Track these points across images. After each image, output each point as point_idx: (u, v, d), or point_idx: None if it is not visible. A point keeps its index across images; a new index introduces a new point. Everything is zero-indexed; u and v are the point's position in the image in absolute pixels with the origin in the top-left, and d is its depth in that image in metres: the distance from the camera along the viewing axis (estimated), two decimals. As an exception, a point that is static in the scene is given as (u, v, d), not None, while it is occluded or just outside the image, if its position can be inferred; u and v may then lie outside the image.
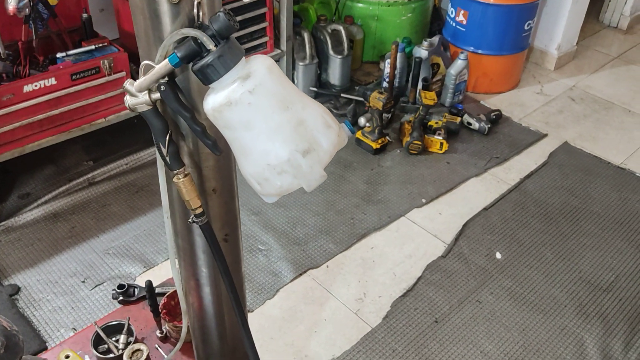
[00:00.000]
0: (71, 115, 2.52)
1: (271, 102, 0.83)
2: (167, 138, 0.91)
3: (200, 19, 0.85)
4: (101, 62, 2.49)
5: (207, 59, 0.81)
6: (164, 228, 2.58)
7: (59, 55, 2.50)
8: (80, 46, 2.59)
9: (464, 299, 2.30)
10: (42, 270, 2.32)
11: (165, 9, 0.84)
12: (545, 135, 3.25)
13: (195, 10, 0.84)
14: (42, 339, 2.06)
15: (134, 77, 2.58)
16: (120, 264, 2.36)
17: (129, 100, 0.89)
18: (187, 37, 0.83)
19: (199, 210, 0.99)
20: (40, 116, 2.42)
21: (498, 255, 2.49)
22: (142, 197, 2.69)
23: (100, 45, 2.58)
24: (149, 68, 0.87)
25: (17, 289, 2.24)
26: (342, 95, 3.35)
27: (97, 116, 2.60)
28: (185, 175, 0.95)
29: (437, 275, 2.39)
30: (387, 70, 3.30)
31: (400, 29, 3.59)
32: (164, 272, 2.33)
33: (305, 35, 3.26)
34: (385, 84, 3.34)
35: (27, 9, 2.29)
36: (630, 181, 2.93)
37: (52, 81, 2.39)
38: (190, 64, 0.83)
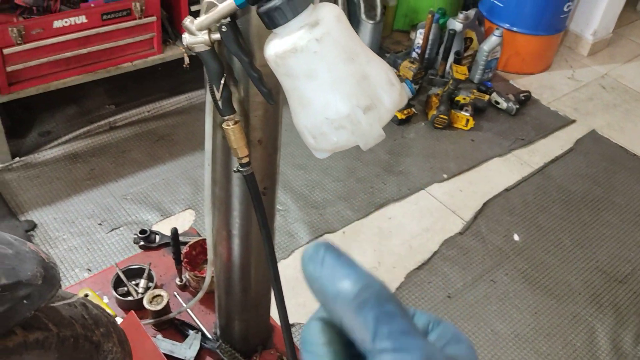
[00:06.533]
0: (99, 55, 2.48)
1: (337, 52, 0.80)
2: (222, 82, 0.88)
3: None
4: (133, 4, 2.44)
5: (276, 2, 0.77)
6: (182, 179, 2.58)
7: (91, -7, 2.45)
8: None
9: (479, 277, 2.29)
10: (60, 209, 2.32)
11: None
12: (574, 121, 3.19)
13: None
14: (56, 277, 2.07)
15: (164, 25, 2.54)
16: (137, 210, 2.36)
17: (187, 38, 0.85)
18: (256, -24, 0.79)
19: (245, 160, 0.96)
20: (68, 54, 2.39)
21: (516, 237, 2.47)
22: (162, 146, 2.67)
23: (132, -14, 2.52)
24: (211, 6, 0.83)
25: (33, 225, 2.24)
26: (370, 61, 3.29)
27: (124, 59, 2.56)
28: (236, 123, 0.92)
29: (454, 251, 2.38)
30: (419, 40, 3.23)
31: (435, -1, 3.50)
32: (180, 222, 2.33)
33: (339, -3, 3.19)
34: (415, 54, 3.28)
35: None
36: (655, 175, 2.89)
37: (83, 19, 2.34)
38: (256, 6, 0.80)
